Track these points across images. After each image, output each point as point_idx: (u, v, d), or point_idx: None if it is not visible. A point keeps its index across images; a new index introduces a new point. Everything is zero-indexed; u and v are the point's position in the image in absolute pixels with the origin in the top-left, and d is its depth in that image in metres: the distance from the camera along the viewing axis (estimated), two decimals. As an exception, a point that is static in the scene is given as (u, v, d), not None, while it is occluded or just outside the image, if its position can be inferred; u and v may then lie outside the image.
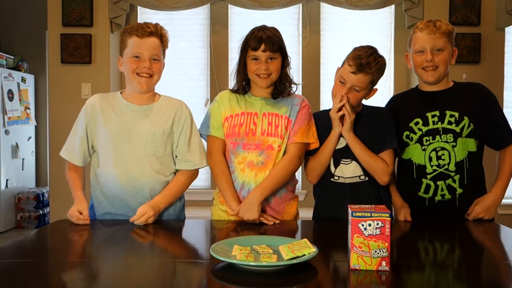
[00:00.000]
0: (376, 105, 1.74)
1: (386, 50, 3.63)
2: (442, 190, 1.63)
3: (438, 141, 1.63)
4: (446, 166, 1.63)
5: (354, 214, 1.03)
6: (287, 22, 3.63)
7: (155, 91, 1.71)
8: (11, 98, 4.43)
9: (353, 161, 1.63)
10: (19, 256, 1.20)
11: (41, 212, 4.59)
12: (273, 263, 1.03)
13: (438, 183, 1.63)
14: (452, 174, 1.62)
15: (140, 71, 1.58)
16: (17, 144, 4.57)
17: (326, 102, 3.58)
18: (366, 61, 1.55)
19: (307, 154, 1.69)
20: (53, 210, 3.46)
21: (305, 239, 1.14)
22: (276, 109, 1.65)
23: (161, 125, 1.64)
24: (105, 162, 1.64)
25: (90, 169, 1.72)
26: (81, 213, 1.53)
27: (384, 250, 1.02)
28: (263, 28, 1.61)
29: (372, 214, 1.02)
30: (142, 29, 1.57)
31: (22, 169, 4.70)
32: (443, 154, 1.63)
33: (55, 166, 3.42)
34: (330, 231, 1.51)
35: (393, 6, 3.58)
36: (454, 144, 1.62)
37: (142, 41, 1.56)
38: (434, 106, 1.66)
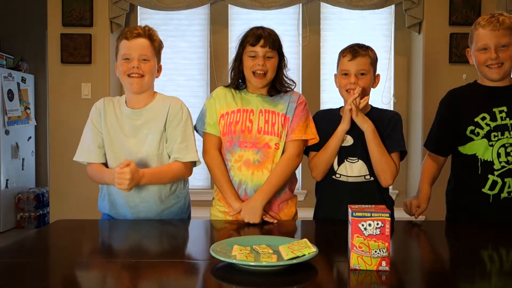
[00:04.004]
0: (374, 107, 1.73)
1: (386, 50, 3.63)
2: (509, 187, 1.59)
3: (507, 137, 1.58)
4: None
5: (354, 214, 1.03)
6: (287, 22, 3.64)
7: (156, 90, 1.71)
8: (11, 98, 4.43)
9: (359, 160, 1.61)
10: (19, 256, 1.20)
11: (41, 212, 4.59)
12: (273, 263, 1.02)
13: (506, 180, 1.59)
14: None
15: (130, 72, 1.60)
16: (17, 144, 4.58)
17: (326, 102, 3.58)
18: (357, 46, 1.62)
19: (311, 150, 1.68)
20: (53, 210, 3.46)
21: (305, 239, 1.14)
22: (273, 106, 1.64)
23: (155, 125, 1.63)
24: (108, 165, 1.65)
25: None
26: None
27: (384, 250, 1.02)
28: (262, 27, 1.63)
29: (372, 214, 1.02)
30: (130, 31, 1.61)
31: (22, 169, 4.70)
32: (511, 151, 1.59)
33: (55, 166, 3.42)
34: (330, 231, 1.51)
35: (393, 6, 3.58)
36: None
37: (130, 43, 1.60)
38: (501, 101, 1.61)
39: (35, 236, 1.48)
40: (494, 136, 1.59)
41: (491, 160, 1.60)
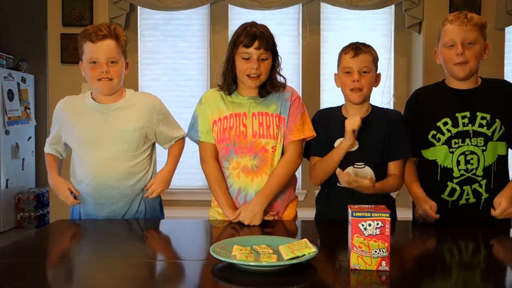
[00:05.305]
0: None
1: (386, 50, 3.63)
2: (467, 194, 1.58)
3: (467, 144, 1.55)
4: (474, 171, 1.56)
5: (354, 214, 1.03)
6: (287, 22, 3.63)
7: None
8: (11, 98, 4.43)
9: (366, 166, 1.59)
10: (19, 256, 1.20)
11: (41, 212, 4.59)
12: (273, 263, 1.03)
13: (465, 187, 1.57)
14: (479, 179, 1.56)
15: (99, 76, 1.58)
16: (17, 144, 4.58)
17: (326, 102, 3.58)
18: (358, 44, 1.61)
19: (312, 154, 1.66)
20: (53, 210, 3.46)
21: (305, 239, 1.14)
22: (265, 107, 1.59)
23: (132, 122, 1.64)
24: (78, 164, 1.67)
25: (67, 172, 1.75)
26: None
27: (384, 250, 1.02)
28: (254, 24, 1.54)
29: (372, 214, 1.02)
30: (96, 33, 1.55)
31: (22, 169, 4.70)
32: (472, 159, 1.55)
33: (55, 166, 3.42)
34: (330, 231, 1.51)
35: (393, 6, 3.58)
36: (484, 148, 1.55)
37: (96, 46, 1.55)
38: (464, 106, 1.57)
39: (35, 236, 1.48)
40: (455, 143, 1.57)
41: (451, 167, 1.58)
